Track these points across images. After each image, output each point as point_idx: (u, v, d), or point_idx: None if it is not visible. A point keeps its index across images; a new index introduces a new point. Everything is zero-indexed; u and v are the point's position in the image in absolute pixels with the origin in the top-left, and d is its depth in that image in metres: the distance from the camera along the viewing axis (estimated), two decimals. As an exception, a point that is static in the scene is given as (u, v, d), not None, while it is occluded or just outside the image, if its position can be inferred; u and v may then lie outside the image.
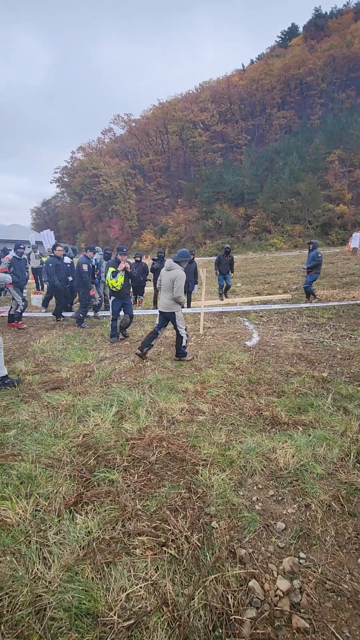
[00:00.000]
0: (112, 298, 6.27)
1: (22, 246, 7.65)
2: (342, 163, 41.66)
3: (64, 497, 2.28)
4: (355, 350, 5.47)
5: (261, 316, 8.29)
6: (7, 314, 7.89)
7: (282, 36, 72.91)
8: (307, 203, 35.82)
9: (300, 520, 2.19)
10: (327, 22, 66.24)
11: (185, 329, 5.10)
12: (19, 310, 7.58)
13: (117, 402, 3.69)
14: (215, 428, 3.24)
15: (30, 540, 1.96)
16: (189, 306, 9.24)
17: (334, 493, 2.39)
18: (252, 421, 3.39)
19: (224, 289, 9.98)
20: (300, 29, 71.05)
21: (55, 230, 34.91)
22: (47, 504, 2.21)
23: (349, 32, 57.28)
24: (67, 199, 72.65)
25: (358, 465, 2.70)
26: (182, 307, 5.12)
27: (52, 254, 8.08)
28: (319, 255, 8.88)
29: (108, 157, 66.64)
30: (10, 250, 8.52)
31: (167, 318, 5.10)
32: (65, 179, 69.20)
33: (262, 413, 3.53)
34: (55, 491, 2.33)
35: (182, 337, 5.03)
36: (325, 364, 4.99)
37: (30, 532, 2.02)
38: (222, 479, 2.51)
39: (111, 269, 6.00)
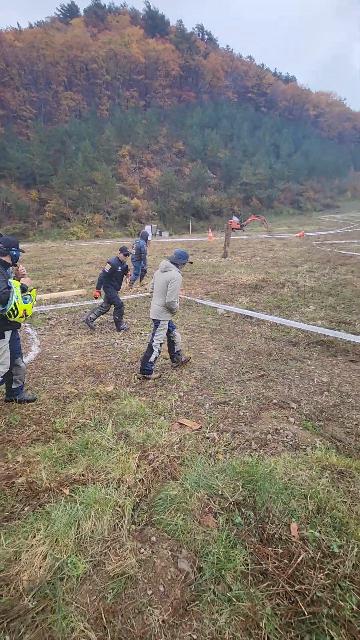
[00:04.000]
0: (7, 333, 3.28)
1: None
2: (132, 159, 44.40)
3: None
4: (144, 350, 5.21)
5: (49, 318, 7.01)
6: None
7: (62, 11, 69.13)
8: (104, 193, 36.07)
9: None
10: (107, 16, 67.78)
11: (161, 345, 4.36)
12: None
13: None
14: None
15: None
16: None
17: (97, 609, 1.63)
18: (-4, 504, 2.24)
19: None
20: (81, 12, 69.56)
21: None
22: None
23: (126, 33, 60.63)
24: None
25: (133, 528, 2.10)
26: (174, 315, 4.42)
27: None
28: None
29: None
30: None
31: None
32: None
33: (14, 481, 2.43)
34: None
35: (153, 351, 4.25)
36: (112, 373, 4.41)
37: None
38: None
39: (16, 284, 3.16)
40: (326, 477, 2.53)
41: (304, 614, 1.65)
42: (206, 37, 76.76)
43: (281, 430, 3.17)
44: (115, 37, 58.15)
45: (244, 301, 8.03)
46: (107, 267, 6.21)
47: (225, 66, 69.37)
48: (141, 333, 6.17)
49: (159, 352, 4.36)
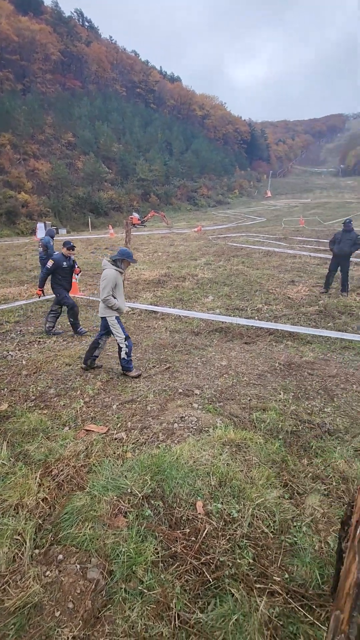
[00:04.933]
0: None
1: None
2: (15, 149, 39.99)
3: None
4: (42, 359, 4.83)
5: None
6: None
7: None
8: (-16, 186, 31.79)
9: None
10: (-36, -20, 58.59)
11: (126, 339, 4.26)
12: None
13: None
14: None
15: None
16: None
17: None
18: None
19: None
20: None
21: None
22: None
23: (-8, 5, 53.64)
24: None
25: (36, 552, 1.95)
26: (120, 313, 4.36)
27: None
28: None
29: None
30: None
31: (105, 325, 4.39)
32: None
33: None
34: None
35: (121, 347, 4.27)
36: (6, 389, 3.97)
37: None
38: None
39: None
40: (226, 452, 2.79)
41: (210, 582, 1.80)
42: (87, 24, 73.63)
43: (186, 417, 3.35)
44: (-21, 8, 50.94)
45: (148, 297, 8.16)
46: (50, 263, 5.78)
47: (110, 58, 67.93)
48: (39, 341, 5.70)
49: (128, 346, 4.29)
